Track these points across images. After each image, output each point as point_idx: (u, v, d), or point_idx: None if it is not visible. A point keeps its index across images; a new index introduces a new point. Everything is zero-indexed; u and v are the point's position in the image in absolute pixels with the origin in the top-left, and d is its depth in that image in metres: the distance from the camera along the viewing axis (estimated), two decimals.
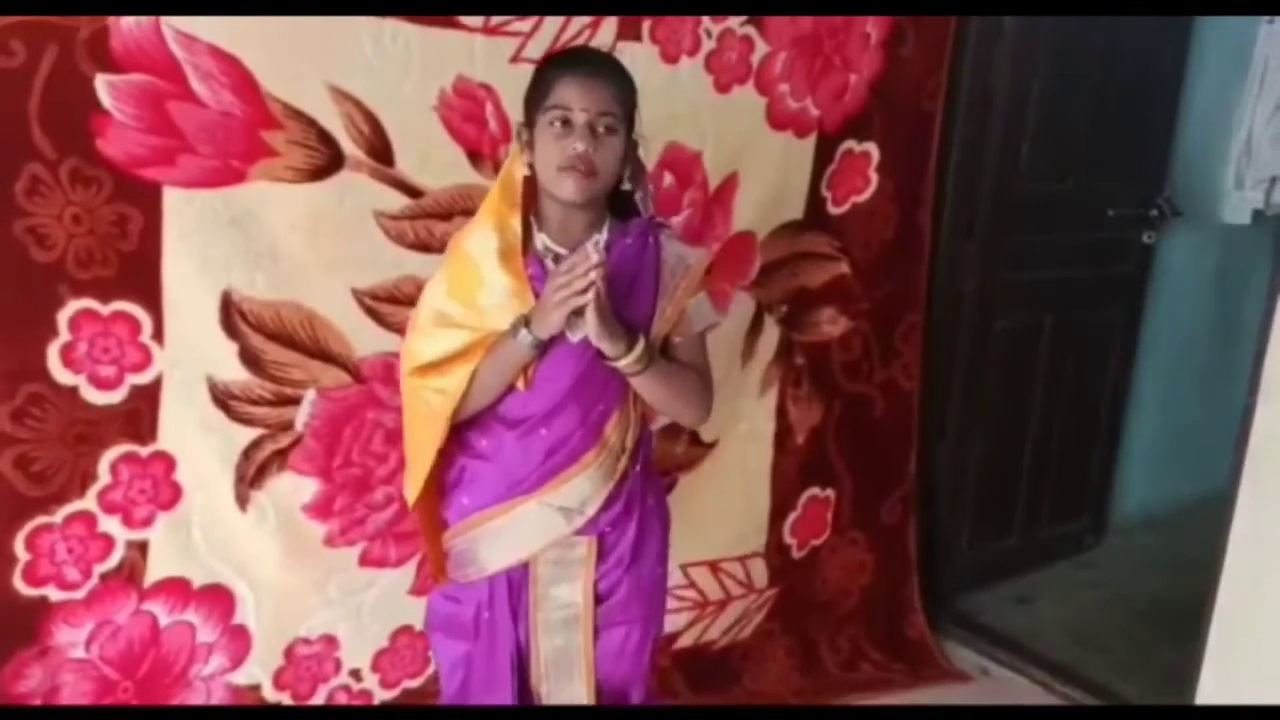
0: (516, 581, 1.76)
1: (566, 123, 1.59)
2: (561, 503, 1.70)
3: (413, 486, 1.78)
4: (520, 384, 1.67)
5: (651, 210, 1.79)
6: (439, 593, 1.86)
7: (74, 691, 1.95)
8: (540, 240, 1.68)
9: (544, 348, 1.62)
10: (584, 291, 1.52)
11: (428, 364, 1.68)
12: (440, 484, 1.79)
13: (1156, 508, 3.75)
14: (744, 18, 2.34)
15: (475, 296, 1.67)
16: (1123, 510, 3.74)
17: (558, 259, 1.65)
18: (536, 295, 1.62)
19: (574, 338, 1.64)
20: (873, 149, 2.64)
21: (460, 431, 1.74)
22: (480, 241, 1.67)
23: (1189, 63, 3.39)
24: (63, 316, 1.82)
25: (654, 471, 1.91)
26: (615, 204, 1.73)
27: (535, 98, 1.64)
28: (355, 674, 2.23)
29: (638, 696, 1.90)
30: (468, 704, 1.82)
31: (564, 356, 1.66)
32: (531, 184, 1.67)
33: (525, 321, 1.61)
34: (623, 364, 1.63)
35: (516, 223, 1.65)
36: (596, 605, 1.79)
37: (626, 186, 1.72)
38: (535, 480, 1.69)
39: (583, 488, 1.70)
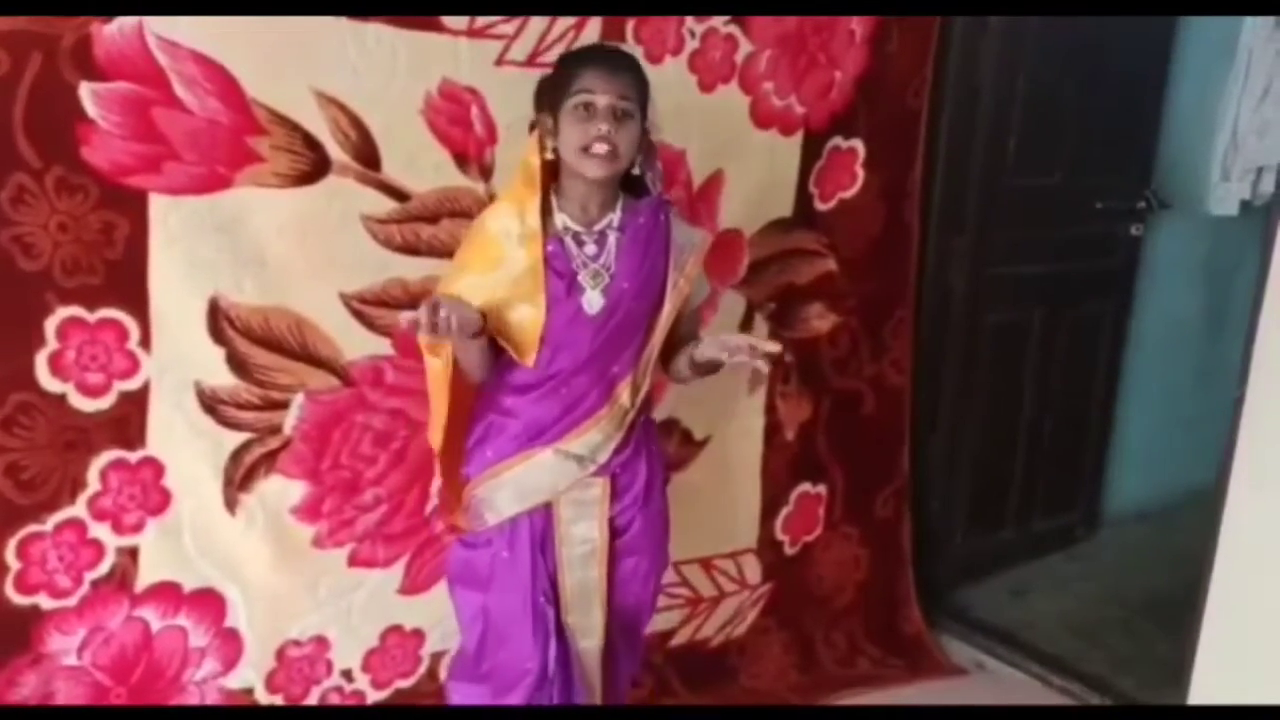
0: (539, 521, 1.91)
1: (589, 107, 1.75)
2: (577, 451, 1.86)
3: (434, 436, 1.94)
4: (529, 362, 1.82)
5: (660, 189, 1.93)
6: (457, 542, 2.01)
7: (68, 698, 1.95)
8: (560, 220, 1.84)
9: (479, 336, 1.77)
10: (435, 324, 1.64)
11: None
12: (466, 444, 1.93)
13: (1148, 500, 3.75)
14: (727, 17, 2.35)
15: (495, 268, 1.80)
16: (1115, 503, 3.74)
17: (576, 236, 1.83)
18: (556, 272, 1.80)
19: (591, 311, 1.81)
20: (859, 145, 2.65)
21: (488, 393, 1.91)
22: (504, 223, 1.81)
23: (1174, 55, 3.40)
24: (50, 325, 1.83)
25: (652, 421, 2.06)
26: (626, 184, 1.88)
27: (560, 86, 1.79)
28: (347, 674, 2.24)
29: (646, 619, 2.11)
30: (485, 657, 1.96)
31: (584, 326, 1.82)
32: (551, 168, 1.83)
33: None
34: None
35: (536, 207, 1.80)
36: (613, 540, 1.95)
37: (636, 171, 1.87)
38: (555, 433, 1.86)
39: (594, 438, 1.87)
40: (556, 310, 1.80)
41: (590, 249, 1.83)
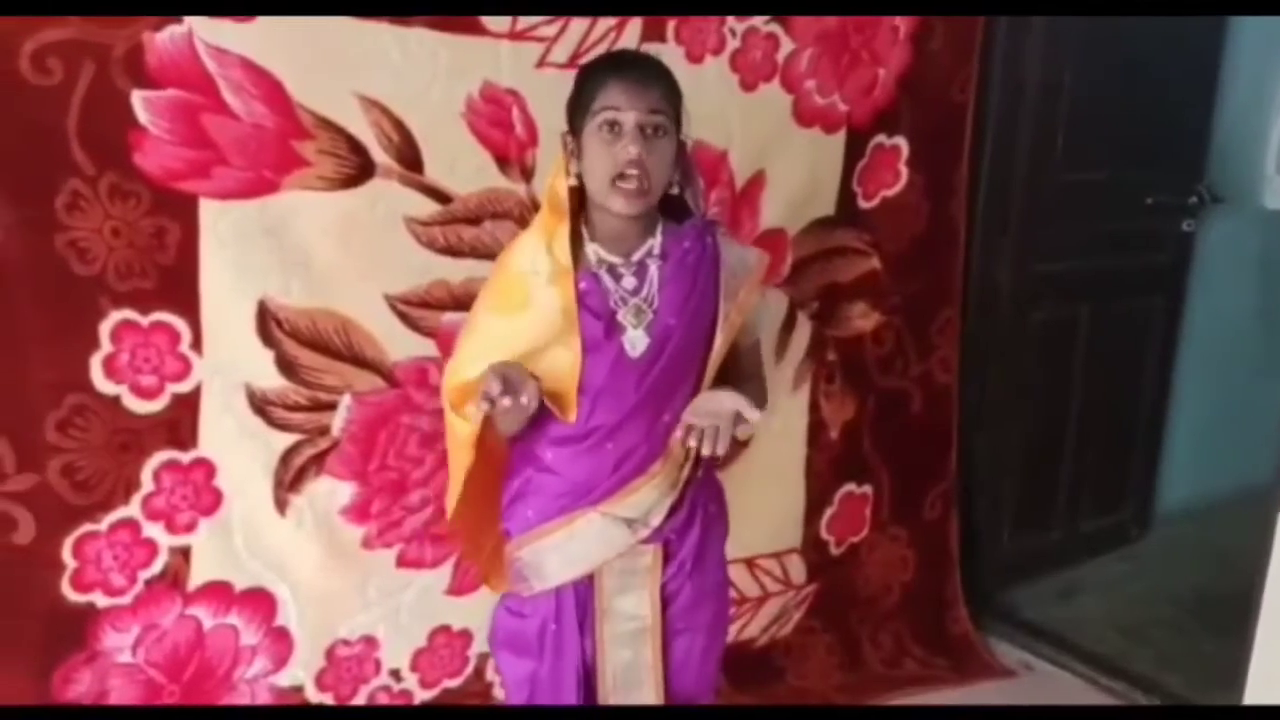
0: (582, 594, 1.72)
1: (615, 126, 1.55)
2: (626, 514, 1.66)
3: (450, 500, 1.78)
4: (570, 418, 1.64)
5: (703, 209, 1.75)
6: (503, 607, 1.82)
7: (122, 695, 1.99)
8: (593, 251, 1.64)
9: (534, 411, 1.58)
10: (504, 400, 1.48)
11: (461, 387, 1.64)
12: (503, 496, 1.77)
13: (1201, 499, 3.69)
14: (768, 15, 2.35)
15: (521, 313, 1.61)
16: (1166, 502, 3.69)
17: (612, 269, 1.63)
18: (592, 312, 1.60)
19: (634, 353, 1.62)
20: (903, 143, 2.63)
21: (526, 444, 1.71)
22: (529, 260, 1.62)
23: (1225, 46, 3.35)
24: (104, 328, 1.86)
25: (715, 477, 1.85)
26: (666, 205, 1.68)
27: (581, 103, 1.59)
28: (395, 674, 2.26)
29: (709, 699, 1.89)
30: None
31: (627, 371, 1.63)
32: (580, 191, 1.63)
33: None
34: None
35: (565, 240, 1.61)
36: (663, 611, 1.75)
37: (675, 191, 1.68)
38: (602, 492, 1.66)
39: (648, 498, 1.66)
40: (596, 355, 1.60)
41: (629, 282, 1.63)
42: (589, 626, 1.73)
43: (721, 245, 1.69)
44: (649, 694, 1.75)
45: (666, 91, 1.59)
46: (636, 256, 1.64)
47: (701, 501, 1.75)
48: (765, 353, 2.48)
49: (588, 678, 1.74)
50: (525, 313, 1.60)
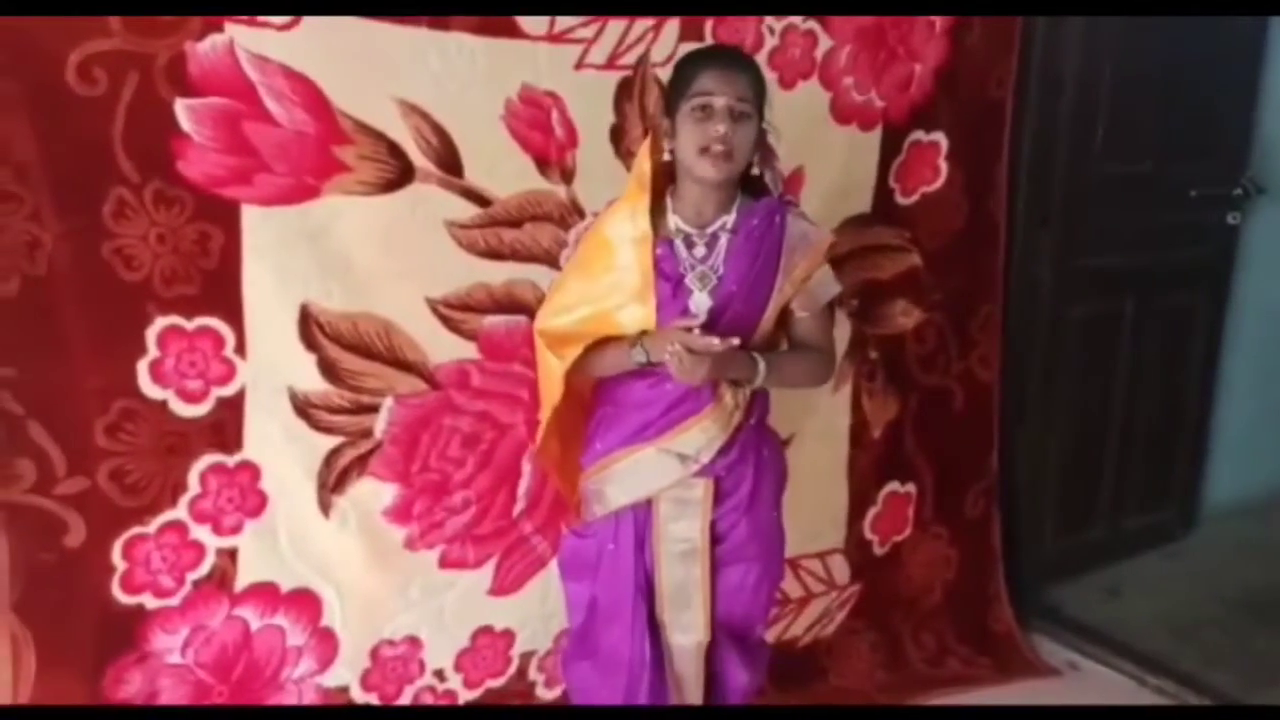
0: (641, 518, 1.92)
1: (707, 109, 1.75)
2: (678, 449, 1.86)
3: (541, 429, 1.96)
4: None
5: (780, 189, 1.92)
6: (570, 532, 2.05)
7: (172, 695, 2.02)
8: (673, 221, 1.85)
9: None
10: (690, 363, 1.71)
11: (554, 333, 1.87)
12: (584, 437, 1.98)
13: (1247, 496, 3.64)
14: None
15: (605, 274, 1.82)
16: (1212, 499, 3.64)
17: (687, 238, 1.83)
18: (664, 275, 1.81)
19: (696, 309, 1.81)
20: (941, 138, 2.61)
21: (605, 386, 1.94)
22: (617, 228, 1.82)
23: (1269, 35, 3.29)
24: (151, 333, 1.89)
25: (769, 426, 2.01)
26: (746, 185, 1.88)
27: (678, 88, 1.81)
28: (439, 674, 2.27)
29: (759, 632, 2.10)
30: (588, 639, 2.00)
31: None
32: (669, 169, 1.85)
33: (642, 342, 1.80)
34: (752, 385, 1.85)
35: (646, 209, 1.79)
36: (715, 545, 1.94)
37: (756, 171, 1.87)
38: (658, 429, 1.87)
39: (699, 437, 1.86)
40: (664, 312, 1.79)
41: (700, 251, 1.83)
42: (647, 548, 1.93)
43: (790, 223, 1.87)
44: (698, 609, 1.94)
45: (753, 81, 1.80)
46: (710, 229, 1.85)
47: (754, 445, 1.93)
48: None
49: (649, 592, 1.94)
50: (610, 274, 1.82)
